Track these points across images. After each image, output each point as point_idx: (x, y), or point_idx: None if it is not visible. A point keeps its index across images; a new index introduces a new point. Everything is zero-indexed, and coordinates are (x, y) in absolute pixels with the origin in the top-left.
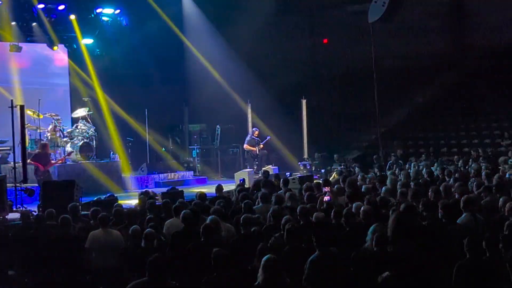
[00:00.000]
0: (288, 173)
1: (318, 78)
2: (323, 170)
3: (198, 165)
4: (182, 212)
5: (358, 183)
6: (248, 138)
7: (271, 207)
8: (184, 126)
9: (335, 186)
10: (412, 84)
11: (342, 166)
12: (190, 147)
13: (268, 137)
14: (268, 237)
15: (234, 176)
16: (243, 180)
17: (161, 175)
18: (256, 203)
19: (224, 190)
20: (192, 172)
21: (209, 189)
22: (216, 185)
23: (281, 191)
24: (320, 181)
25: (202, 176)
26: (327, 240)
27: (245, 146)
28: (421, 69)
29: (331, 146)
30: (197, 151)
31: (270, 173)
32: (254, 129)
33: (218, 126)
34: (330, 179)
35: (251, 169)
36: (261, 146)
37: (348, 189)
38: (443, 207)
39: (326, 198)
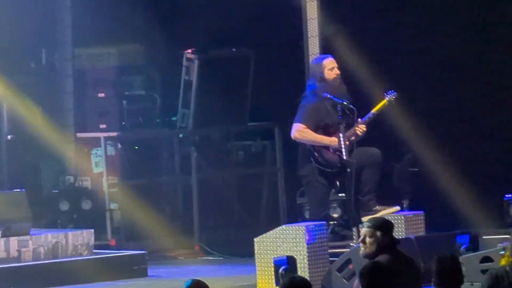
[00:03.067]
0: (462, 238)
1: None
2: None
3: (115, 206)
4: None
5: None
6: (307, 103)
7: None
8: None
9: None
10: None
11: None
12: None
13: (390, 94)
14: None
15: (255, 249)
16: (286, 265)
17: None
18: None
19: None
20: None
21: None
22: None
23: None
24: None
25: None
26: None
27: (297, 129)
28: None
29: None
30: (117, 149)
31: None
32: (325, 58)
33: (190, 56)
34: None
35: (316, 222)
36: (361, 128)
37: None
38: None
39: None
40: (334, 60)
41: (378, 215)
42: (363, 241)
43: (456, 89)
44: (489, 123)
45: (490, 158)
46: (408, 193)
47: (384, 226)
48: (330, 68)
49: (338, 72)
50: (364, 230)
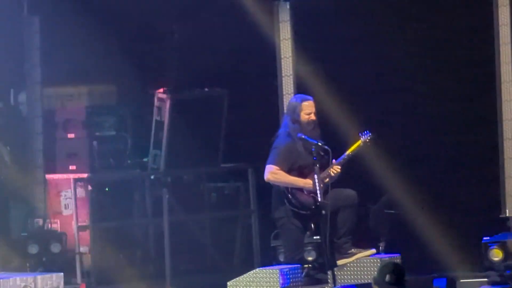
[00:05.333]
0: (439, 281)
1: None
2: None
3: (85, 249)
4: None
5: None
6: (280, 144)
7: None
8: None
9: None
10: None
11: None
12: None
13: (365, 135)
14: None
15: None
16: None
17: None
18: None
19: None
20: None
21: None
22: None
23: None
24: None
25: None
26: None
27: (271, 171)
28: None
29: None
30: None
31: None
32: (304, 100)
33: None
34: None
35: (291, 265)
36: (335, 169)
37: None
38: None
39: None
40: (313, 104)
41: (353, 258)
42: None
43: (433, 130)
44: (467, 167)
45: (467, 201)
46: (384, 235)
47: (377, 278)
48: (307, 112)
49: (314, 118)
50: None
